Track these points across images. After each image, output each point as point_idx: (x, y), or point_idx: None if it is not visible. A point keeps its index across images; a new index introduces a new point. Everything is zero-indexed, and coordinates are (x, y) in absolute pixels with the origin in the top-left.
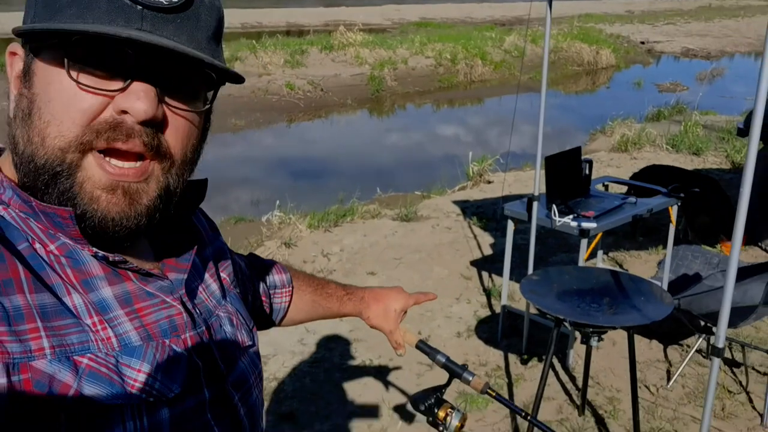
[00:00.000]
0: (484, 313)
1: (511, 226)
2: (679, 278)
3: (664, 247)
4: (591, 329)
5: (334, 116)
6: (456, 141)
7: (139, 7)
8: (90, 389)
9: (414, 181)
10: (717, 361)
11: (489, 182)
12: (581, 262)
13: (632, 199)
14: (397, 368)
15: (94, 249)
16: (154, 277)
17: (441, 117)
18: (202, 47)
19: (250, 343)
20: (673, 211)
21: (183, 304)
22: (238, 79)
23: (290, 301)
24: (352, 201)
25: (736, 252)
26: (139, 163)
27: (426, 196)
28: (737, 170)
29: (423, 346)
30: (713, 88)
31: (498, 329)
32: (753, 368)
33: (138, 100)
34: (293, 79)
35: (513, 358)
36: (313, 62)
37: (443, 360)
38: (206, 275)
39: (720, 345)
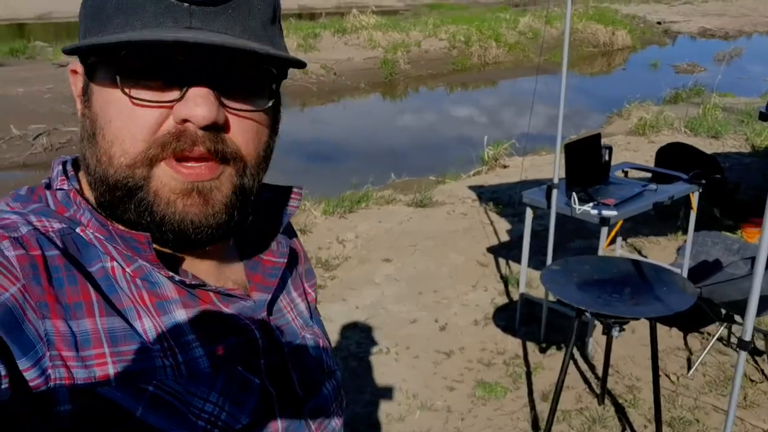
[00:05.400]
0: (502, 300)
1: (529, 214)
2: (699, 265)
3: (683, 233)
4: (613, 320)
5: (347, 100)
6: (470, 124)
7: (186, 4)
8: (153, 418)
9: (428, 166)
10: (744, 354)
11: (505, 167)
12: (601, 251)
13: (653, 186)
14: (414, 357)
15: (170, 272)
16: (235, 298)
17: (455, 100)
18: (258, 36)
19: (335, 368)
20: (695, 198)
21: (263, 326)
22: (299, 64)
23: None
24: (367, 187)
25: (767, 238)
26: (209, 162)
27: (441, 181)
28: (757, 154)
29: None
30: (731, 68)
31: (516, 317)
32: None
33: (197, 106)
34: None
35: (531, 347)
36: (326, 46)
37: None
38: (295, 294)
39: (747, 338)
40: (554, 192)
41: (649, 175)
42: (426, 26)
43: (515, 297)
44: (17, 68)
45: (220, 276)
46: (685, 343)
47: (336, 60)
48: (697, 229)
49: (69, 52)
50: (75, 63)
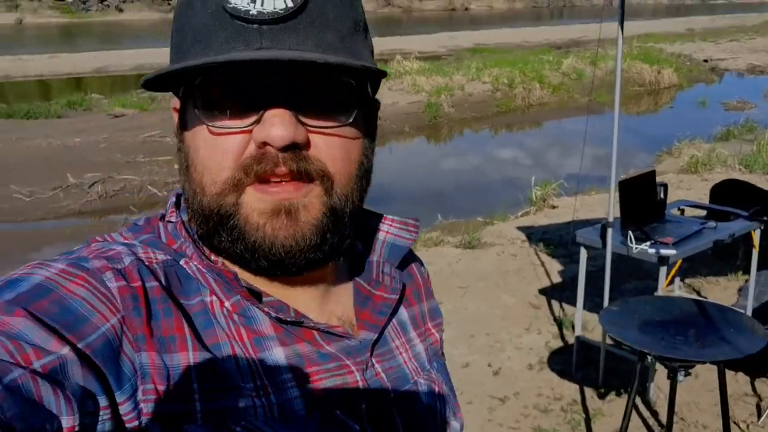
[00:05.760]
0: (557, 343)
1: (584, 254)
2: (762, 306)
3: (744, 272)
4: (678, 364)
5: (393, 144)
6: (516, 166)
7: (255, 25)
8: None
9: (475, 207)
10: None
11: (554, 207)
12: (660, 291)
13: (712, 223)
14: (468, 402)
15: (267, 309)
16: (337, 336)
17: (499, 142)
18: (335, 48)
19: (451, 419)
20: (756, 236)
21: (367, 368)
22: (373, 72)
23: None
24: None
25: None
26: (295, 182)
27: (489, 222)
28: None
29: None
30: None
31: (572, 361)
32: None
33: (272, 127)
34: None
35: (589, 392)
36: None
37: None
38: (414, 334)
39: None
40: (609, 231)
41: (704, 213)
42: (469, 70)
43: (570, 340)
44: (74, 119)
45: (323, 310)
46: (753, 389)
47: (381, 105)
48: (759, 268)
49: (144, 84)
50: (175, 100)
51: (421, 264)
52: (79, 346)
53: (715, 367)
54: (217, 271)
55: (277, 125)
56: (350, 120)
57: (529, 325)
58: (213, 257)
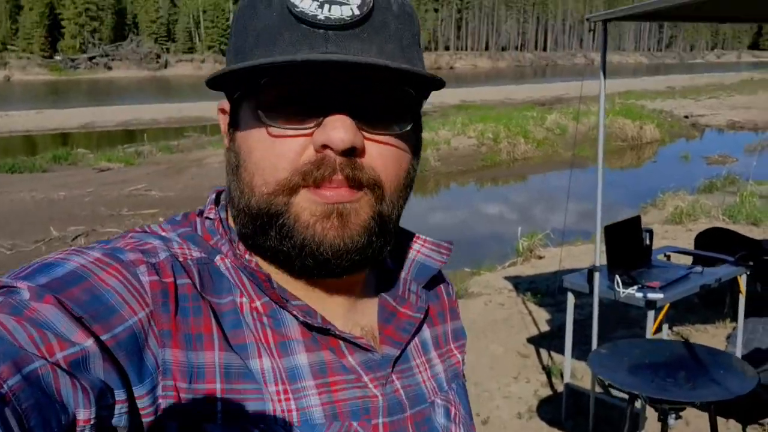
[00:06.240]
0: (545, 392)
1: (571, 299)
2: (752, 353)
3: (731, 320)
4: (668, 406)
5: None
6: (501, 218)
7: (321, 30)
8: None
9: (462, 258)
10: None
11: (540, 257)
12: (648, 336)
13: (698, 268)
14: None
15: (295, 312)
16: (361, 348)
17: (485, 195)
18: (395, 57)
19: None
20: (742, 281)
21: (386, 383)
22: (437, 82)
23: None
24: None
25: None
26: (348, 188)
27: (476, 272)
28: None
29: None
30: (764, 158)
31: (561, 409)
32: None
33: (334, 129)
34: None
35: None
36: None
37: None
38: (434, 353)
39: None
40: (596, 275)
41: (690, 260)
42: (455, 125)
43: (559, 388)
44: (60, 174)
45: (348, 319)
46: None
47: None
48: (746, 315)
49: (210, 81)
50: (224, 102)
51: (450, 285)
52: (105, 338)
53: (705, 415)
54: (250, 270)
55: (339, 128)
56: (406, 129)
57: (517, 374)
58: (248, 256)
